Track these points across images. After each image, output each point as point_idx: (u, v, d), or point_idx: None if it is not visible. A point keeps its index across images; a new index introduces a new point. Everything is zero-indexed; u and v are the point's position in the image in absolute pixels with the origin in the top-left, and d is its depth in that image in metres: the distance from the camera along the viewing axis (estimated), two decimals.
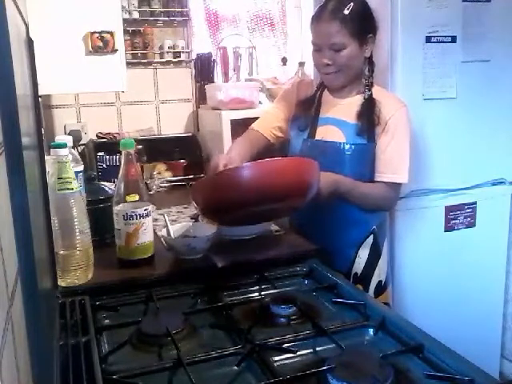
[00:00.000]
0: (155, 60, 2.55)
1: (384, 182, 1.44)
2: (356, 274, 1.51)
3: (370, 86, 1.47)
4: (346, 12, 1.36)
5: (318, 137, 1.49)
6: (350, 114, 1.45)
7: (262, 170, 1.13)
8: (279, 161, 1.22)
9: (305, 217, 1.51)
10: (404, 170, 1.44)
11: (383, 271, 1.55)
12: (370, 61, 1.48)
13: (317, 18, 1.41)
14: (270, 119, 1.63)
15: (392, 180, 1.44)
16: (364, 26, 1.41)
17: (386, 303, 1.52)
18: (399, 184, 1.47)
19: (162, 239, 1.32)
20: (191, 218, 1.64)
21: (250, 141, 1.61)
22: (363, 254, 1.51)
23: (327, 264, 1.28)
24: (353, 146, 1.43)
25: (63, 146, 1.10)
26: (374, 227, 1.51)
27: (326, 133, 1.48)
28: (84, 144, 2.41)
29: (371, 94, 1.46)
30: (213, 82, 2.58)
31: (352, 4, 1.37)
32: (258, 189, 1.09)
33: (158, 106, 2.61)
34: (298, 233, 1.49)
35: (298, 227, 1.55)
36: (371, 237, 1.51)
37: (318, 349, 0.91)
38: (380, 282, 1.54)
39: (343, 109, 1.48)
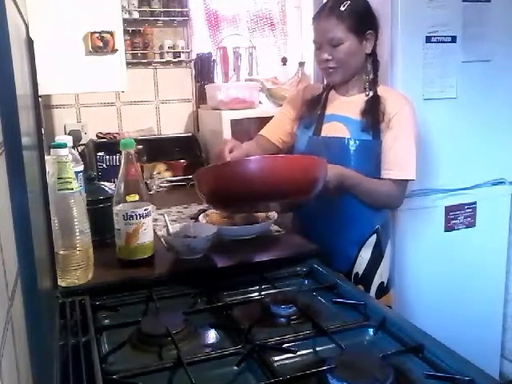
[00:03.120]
0: (155, 60, 2.55)
1: (391, 180, 1.44)
2: (357, 273, 1.51)
3: (372, 83, 1.48)
4: (342, 8, 1.40)
5: (323, 134, 1.50)
6: (355, 111, 1.46)
7: (268, 165, 1.12)
8: (286, 157, 1.24)
9: (307, 215, 1.51)
10: (411, 166, 1.44)
11: (385, 273, 1.55)
12: (373, 59, 1.49)
13: (317, 17, 1.46)
14: (277, 124, 1.66)
15: (399, 177, 1.44)
16: (362, 21, 1.42)
17: (387, 306, 1.52)
18: (406, 181, 1.46)
19: (162, 239, 1.33)
20: (191, 218, 1.64)
21: (257, 145, 1.64)
22: (365, 254, 1.50)
23: (328, 263, 1.28)
24: (357, 142, 1.43)
25: (63, 146, 1.10)
26: (378, 227, 1.51)
27: (331, 129, 1.49)
28: (84, 144, 2.41)
29: (376, 92, 1.47)
30: (213, 82, 2.57)
31: (349, 1, 1.40)
32: (263, 183, 1.08)
33: (157, 106, 2.61)
34: (300, 231, 1.50)
35: (300, 225, 1.55)
36: (374, 236, 1.51)
37: (318, 349, 0.90)
38: (382, 283, 1.53)
39: (348, 106, 1.49)
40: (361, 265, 1.51)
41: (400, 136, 1.43)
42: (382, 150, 1.44)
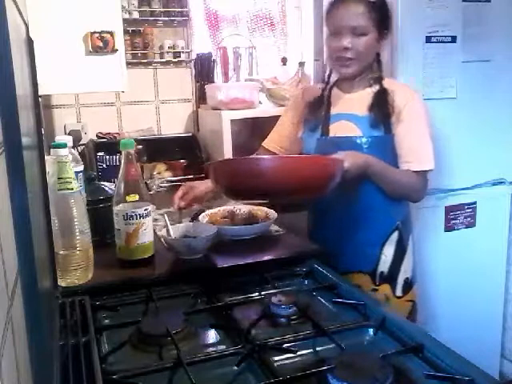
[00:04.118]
0: (155, 60, 2.55)
1: (411, 171, 1.40)
2: (382, 272, 1.47)
3: (379, 79, 1.45)
4: None
5: (331, 134, 1.47)
6: (361, 107, 1.43)
7: (283, 163, 1.14)
8: (302, 157, 1.26)
9: (325, 214, 1.48)
10: (429, 156, 1.41)
11: (409, 268, 1.51)
12: (378, 58, 1.47)
13: (340, 1, 1.39)
14: (276, 133, 1.64)
15: (419, 168, 1.40)
16: (385, 18, 1.39)
17: (412, 301, 1.50)
18: (426, 172, 1.43)
19: (162, 239, 1.32)
20: (191, 218, 1.64)
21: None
22: (388, 252, 1.47)
23: (328, 263, 1.27)
24: (369, 139, 1.40)
25: (63, 146, 1.10)
26: (399, 223, 1.47)
27: (339, 129, 1.46)
28: (84, 144, 2.41)
29: (382, 85, 1.44)
30: (213, 82, 2.57)
31: None
32: (278, 181, 1.09)
33: (157, 106, 2.61)
34: (317, 231, 1.49)
35: (317, 224, 1.54)
36: (396, 233, 1.47)
37: (318, 349, 0.91)
38: (407, 279, 1.50)
39: (353, 103, 1.46)
40: (385, 263, 1.47)
41: (413, 127, 1.40)
42: (395, 144, 1.40)
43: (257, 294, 1.15)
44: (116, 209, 1.21)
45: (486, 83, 1.98)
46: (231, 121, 2.25)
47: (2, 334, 0.44)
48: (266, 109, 2.38)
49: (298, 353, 0.87)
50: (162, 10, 2.50)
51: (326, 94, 1.53)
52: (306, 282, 1.22)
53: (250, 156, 1.44)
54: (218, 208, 1.61)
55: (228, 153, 2.22)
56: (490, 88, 1.99)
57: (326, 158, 1.21)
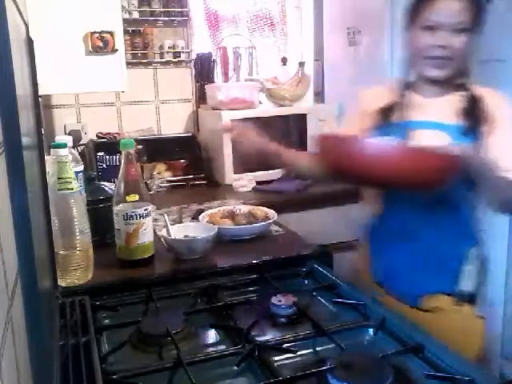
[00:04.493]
0: (155, 60, 2.55)
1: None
2: (464, 291, 1.29)
3: (464, 83, 1.33)
4: None
5: (413, 143, 1.28)
6: (448, 115, 1.27)
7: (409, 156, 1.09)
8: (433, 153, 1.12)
9: (402, 221, 1.32)
10: None
11: (490, 286, 1.35)
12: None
13: None
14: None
15: None
16: (481, 15, 1.26)
17: (484, 318, 1.34)
18: None
19: (162, 239, 1.33)
20: (191, 218, 1.64)
21: None
22: (471, 268, 1.30)
23: (328, 264, 1.27)
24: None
25: (63, 146, 1.10)
26: (480, 237, 1.33)
27: (422, 138, 1.26)
28: (84, 144, 2.41)
29: (471, 90, 1.30)
30: (213, 82, 2.58)
31: None
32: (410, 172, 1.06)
33: (157, 106, 2.61)
34: (377, 245, 1.37)
35: (379, 235, 1.38)
36: (476, 247, 1.30)
37: (318, 349, 0.91)
38: (488, 298, 1.34)
39: (438, 110, 1.30)
40: (467, 281, 1.29)
41: (508, 134, 1.26)
42: (484, 152, 1.24)
43: (257, 294, 1.15)
44: (116, 209, 1.21)
45: (486, 83, 1.97)
46: (231, 121, 2.24)
47: (1, 334, 0.44)
48: (266, 109, 2.38)
49: (298, 353, 0.88)
50: (162, 10, 2.50)
51: (400, 99, 1.34)
52: (306, 281, 1.22)
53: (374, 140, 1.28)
54: (218, 208, 1.61)
55: (228, 153, 2.22)
56: (490, 88, 1.98)
57: (451, 151, 1.11)
